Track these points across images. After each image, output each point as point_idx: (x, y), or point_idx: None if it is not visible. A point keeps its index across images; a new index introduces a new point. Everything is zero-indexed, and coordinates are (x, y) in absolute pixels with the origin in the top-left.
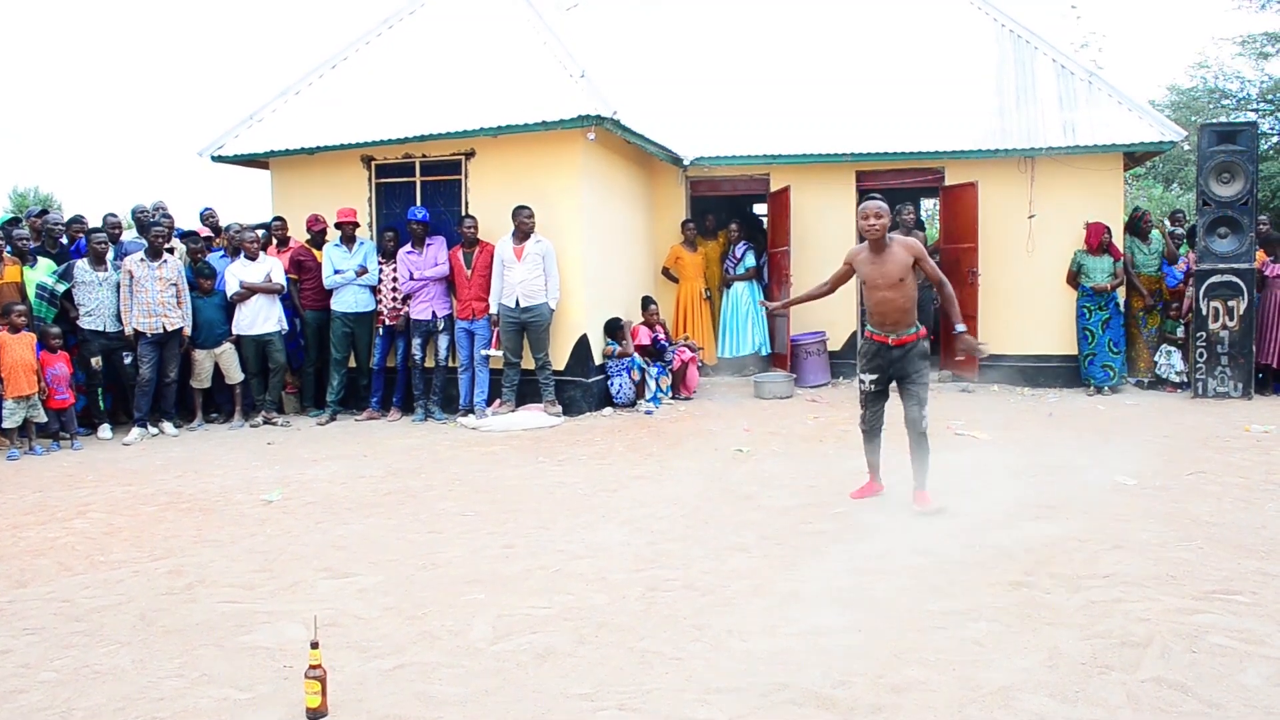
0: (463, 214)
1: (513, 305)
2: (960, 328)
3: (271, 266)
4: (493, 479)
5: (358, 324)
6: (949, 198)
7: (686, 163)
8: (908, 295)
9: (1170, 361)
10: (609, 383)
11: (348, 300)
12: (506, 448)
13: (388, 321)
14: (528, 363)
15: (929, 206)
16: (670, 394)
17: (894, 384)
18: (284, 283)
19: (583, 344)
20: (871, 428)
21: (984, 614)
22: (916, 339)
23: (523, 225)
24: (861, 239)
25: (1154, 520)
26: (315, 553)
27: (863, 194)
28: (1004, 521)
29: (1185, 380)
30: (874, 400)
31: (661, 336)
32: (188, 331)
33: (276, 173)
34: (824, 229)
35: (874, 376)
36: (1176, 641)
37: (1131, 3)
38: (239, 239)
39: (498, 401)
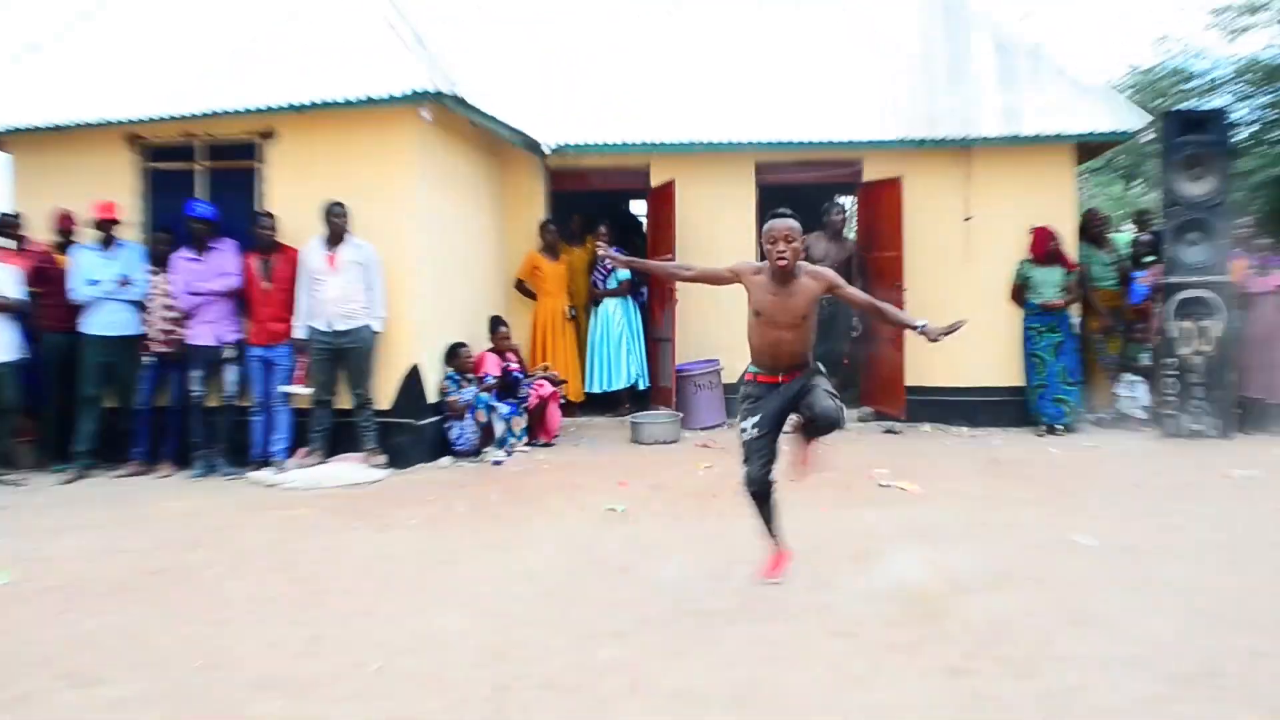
0: (259, 211)
1: (324, 327)
2: (922, 322)
3: (4, 276)
4: (295, 552)
5: (118, 351)
6: (869, 196)
7: (547, 151)
8: (807, 336)
9: (1134, 394)
10: (448, 425)
11: (106, 320)
12: (314, 510)
13: (158, 348)
14: (342, 401)
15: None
16: (526, 439)
17: (786, 425)
18: (24, 297)
19: (414, 377)
20: (761, 489)
21: (917, 709)
22: (806, 369)
23: (336, 226)
24: (763, 257)
25: (1119, 588)
26: (56, 653)
27: (764, 191)
28: (940, 593)
29: (1153, 416)
30: (760, 452)
31: (514, 366)
32: None
33: (16, 156)
34: (716, 233)
35: (757, 418)
36: None
37: None
38: None
39: (303, 450)
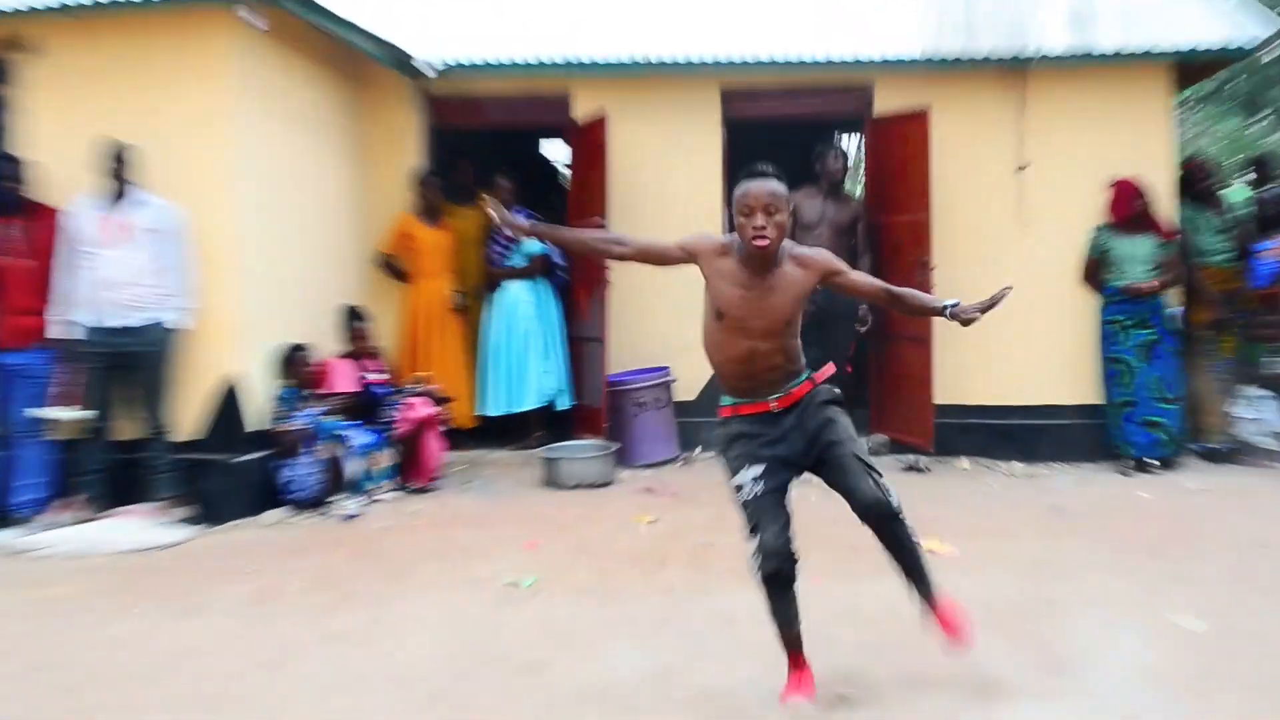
0: (3, 153)
1: (100, 323)
2: (949, 302)
3: None
4: (54, 649)
5: None
6: (882, 137)
7: (428, 73)
8: (790, 346)
9: (1260, 414)
10: (280, 464)
11: None
12: (83, 588)
13: None
14: (127, 429)
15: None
16: (393, 482)
17: (802, 473)
18: None
19: (232, 395)
20: (783, 566)
21: None
22: (812, 387)
23: (118, 177)
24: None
25: (1239, 690)
26: None
27: (733, 128)
28: (986, 692)
29: None
30: (769, 510)
31: (377, 378)
32: None
33: None
34: (666, 188)
35: (759, 468)
36: None
37: None
38: None
39: (67, 501)
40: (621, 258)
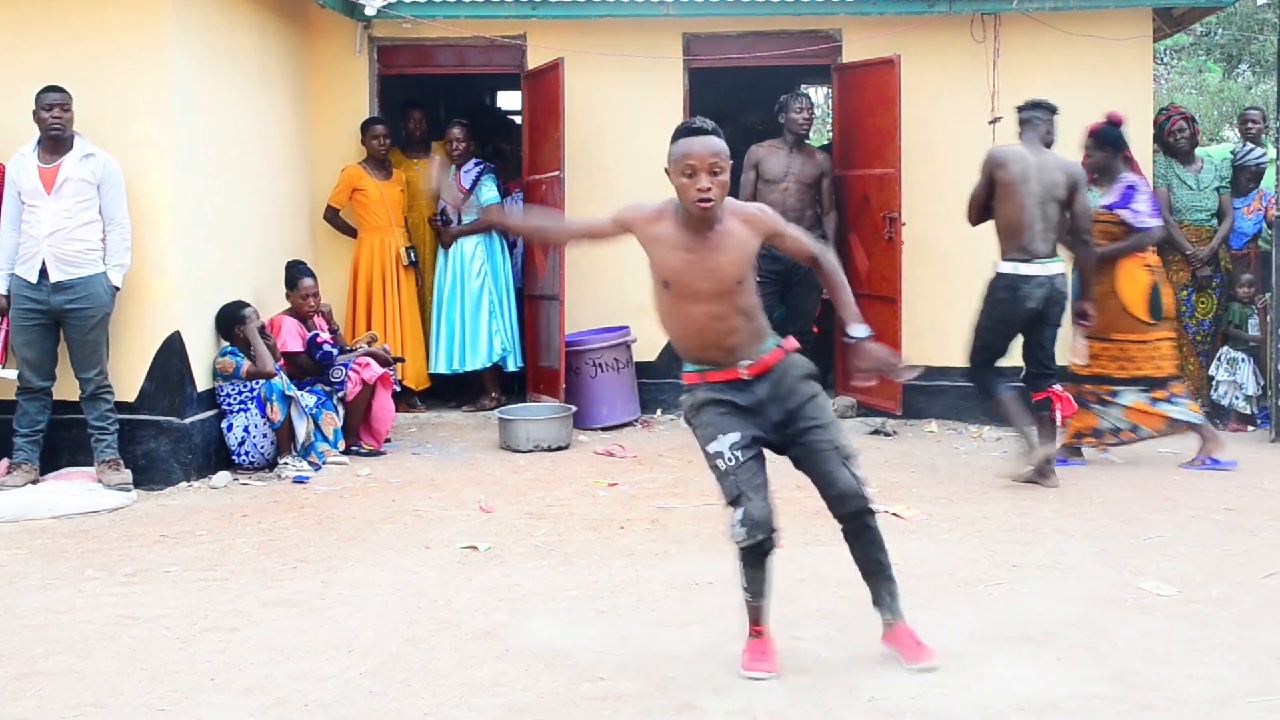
0: None
1: (34, 278)
2: (859, 331)
3: None
4: None
5: None
6: (849, 86)
7: (369, 9)
8: (744, 307)
9: (1235, 377)
10: (225, 425)
11: None
12: (20, 553)
13: None
14: (65, 389)
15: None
16: (343, 444)
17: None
18: None
19: (174, 353)
20: (768, 538)
21: None
22: (783, 355)
23: (56, 125)
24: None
25: (1208, 658)
26: None
27: (695, 77)
28: (954, 664)
29: (1261, 409)
30: (751, 479)
31: (325, 336)
32: None
33: None
34: (626, 137)
35: (737, 436)
36: None
37: None
38: None
39: (3, 463)
40: (560, 241)
